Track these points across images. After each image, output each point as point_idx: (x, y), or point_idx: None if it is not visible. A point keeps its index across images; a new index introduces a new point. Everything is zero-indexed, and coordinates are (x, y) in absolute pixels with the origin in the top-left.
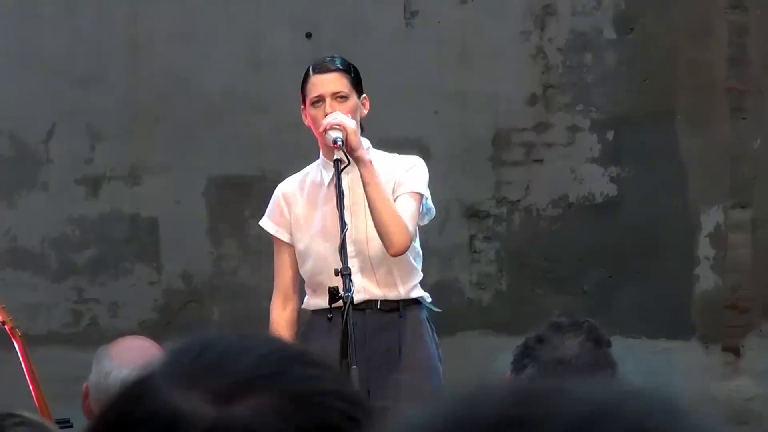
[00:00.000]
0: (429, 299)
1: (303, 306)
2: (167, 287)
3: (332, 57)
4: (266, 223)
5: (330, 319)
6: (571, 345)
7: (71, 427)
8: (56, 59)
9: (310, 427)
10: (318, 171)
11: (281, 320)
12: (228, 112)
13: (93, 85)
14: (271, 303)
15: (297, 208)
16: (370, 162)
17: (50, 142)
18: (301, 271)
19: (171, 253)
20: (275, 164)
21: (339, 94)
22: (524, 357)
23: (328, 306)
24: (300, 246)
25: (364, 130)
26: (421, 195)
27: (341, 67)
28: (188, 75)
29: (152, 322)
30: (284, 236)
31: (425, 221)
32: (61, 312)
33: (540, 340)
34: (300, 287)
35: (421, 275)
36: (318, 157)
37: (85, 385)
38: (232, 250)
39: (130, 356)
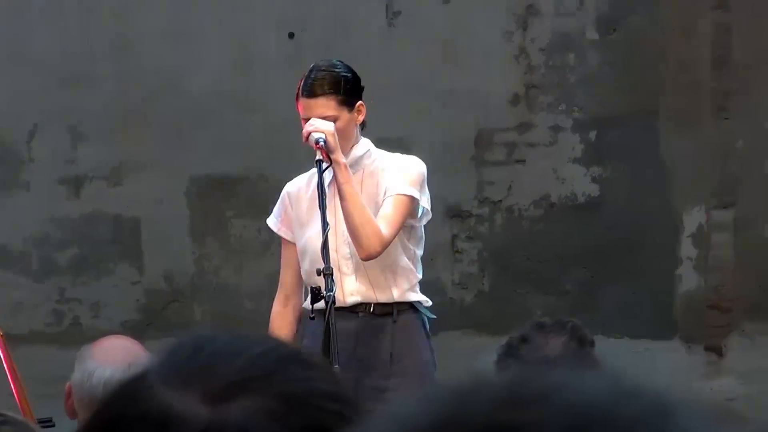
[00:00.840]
0: (428, 304)
1: (303, 305)
2: (149, 287)
3: (326, 71)
4: (271, 221)
5: (312, 318)
6: (555, 345)
7: (53, 426)
8: (43, 58)
9: (303, 428)
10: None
11: (281, 317)
12: (214, 111)
13: (79, 84)
14: (274, 300)
15: (299, 208)
16: (345, 166)
17: (32, 141)
18: (301, 271)
19: (153, 253)
20: (259, 164)
21: (326, 119)
22: (508, 357)
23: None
24: (299, 245)
25: (365, 127)
26: (409, 197)
27: (329, 90)
28: (175, 74)
29: (134, 322)
30: (287, 234)
31: (423, 222)
32: (43, 312)
33: (524, 339)
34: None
35: (418, 277)
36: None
37: (68, 384)
38: (214, 250)
39: (113, 356)
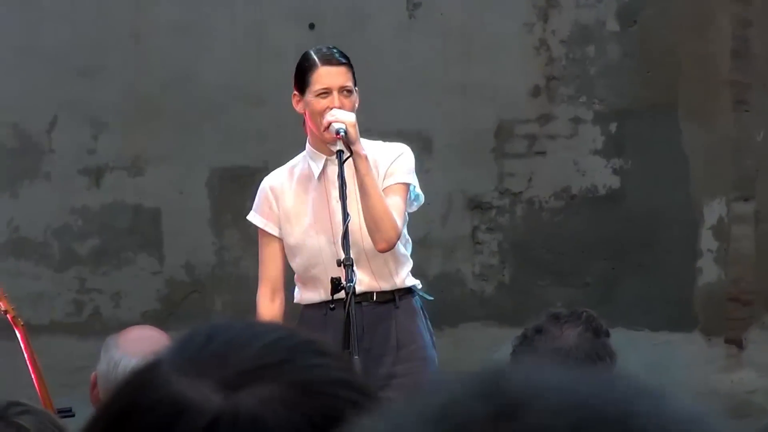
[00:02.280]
0: (420, 286)
1: (296, 300)
2: (170, 278)
3: (332, 48)
4: (254, 217)
5: (333, 309)
6: (570, 335)
7: (73, 416)
8: (58, 50)
9: (318, 416)
10: (305, 162)
11: (270, 312)
12: (230, 103)
13: (95, 76)
14: (258, 295)
15: (286, 202)
16: (366, 157)
17: (53, 132)
18: (292, 264)
19: (173, 244)
20: (277, 155)
21: (346, 88)
22: (523, 347)
23: (325, 298)
24: (291, 240)
25: None
26: (408, 185)
27: (346, 61)
28: (190, 66)
29: (155, 312)
30: (273, 230)
31: (414, 208)
32: (63, 302)
33: (539, 330)
34: (287, 281)
35: (411, 262)
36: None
37: (93, 374)
38: (234, 240)
39: (139, 346)
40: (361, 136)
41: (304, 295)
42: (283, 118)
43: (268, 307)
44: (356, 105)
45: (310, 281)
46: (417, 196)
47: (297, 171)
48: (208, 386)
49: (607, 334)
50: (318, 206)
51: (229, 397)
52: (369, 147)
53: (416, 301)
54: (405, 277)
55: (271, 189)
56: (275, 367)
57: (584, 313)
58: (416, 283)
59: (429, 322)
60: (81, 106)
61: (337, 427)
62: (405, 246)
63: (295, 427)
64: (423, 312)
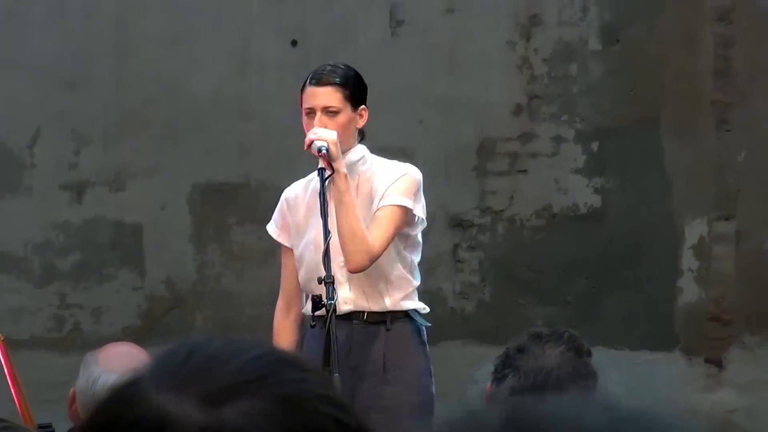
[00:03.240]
0: (425, 311)
1: (302, 311)
2: (151, 293)
3: (335, 66)
4: (270, 227)
5: (312, 326)
6: (552, 355)
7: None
8: (43, 62)
9: (300, 431)
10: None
11: (284, 325)
12: (214, 117)
13: (79, 89)
14: (276, 308)
15: (297, 214)
16: (345, 176)
17: (35, 146)
18: (299, 277)
19: (155, 259)
20: (260, 171)
21: (329, 109)
22: (505, 367)
23: (311, 313)
24: (296, 252)
25: (364, 137)
26: (403, 207)
27: (338, 81)
28: (175, 80)
29: (135, 328)
30: (285, 240)
31: (416, 231)
32: (44, 317)
33: (520, 349)
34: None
35: (414, 285)
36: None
37: (72, 390)
38: (215, 256)
39: (118, 362)
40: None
41: (307, 306)
42: (266, 133)
43: (284, 319)
44: (359, 122)
45: (308, 294)
46: (421, 220)
47: (312, 185)
48: (190, 401)
49: (589, 354)
50: (321, 223)
51: (212, 413)
52: (378, 165)
53: (414, 326)
54: (400, 300)
55: (287, 200)
56: (257, 382)
57: (566, 333)
58: (418, 306)
59: (427, 348)
60: (64, 119)
61: None
62: (410, 271)
63: None
64: (420, 337)
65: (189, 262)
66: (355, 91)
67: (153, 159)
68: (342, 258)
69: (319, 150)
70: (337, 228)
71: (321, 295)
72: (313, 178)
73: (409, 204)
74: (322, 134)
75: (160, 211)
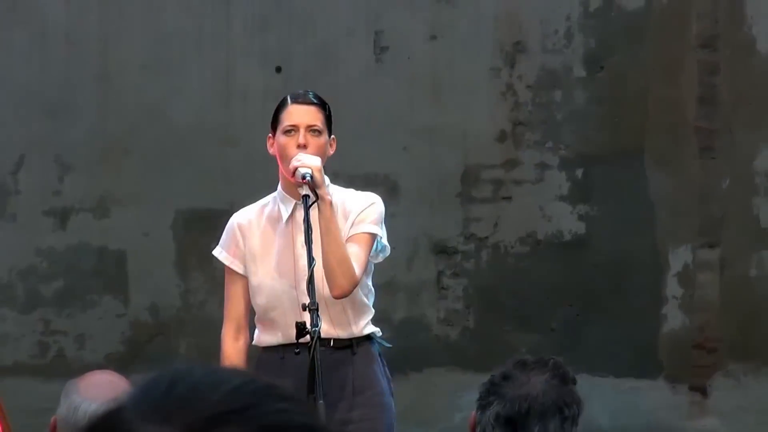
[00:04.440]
0: (380, 334)
1: (254, 342)
2: (134, 320)
3: (308, 91)
4: (220, 253)
5: (297, 353)
6: (537, 382)
7: None
8: (26, 89)
9: None
10: (275, 204)
11: (234, 351)
12: (198, 144)
13: (62, 116)
14: (223, 333)
15: (252, 241)
16: (331, 203)
17: (19, 173)
18: (253, 304)
19: (138, 286)
20: (244, 197)
21: (313, 127)
22: (489, 394)
23: (283, 341)
24: (254, 280)
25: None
26: (374, 235)
27: (318, 102)
28: (158, 107)
29: (119, 355)
30: (239, 267)
31: (379, 259)
32: (27, 343)
33: (505, 377)
34: (249, 320)
35: (372, 312)
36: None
37: (53, 418)
38: (199, 283)
39: (99, 391)
40: (328, 178)
41: (262, 338)
42: (249, 160)
43: (232, 346)
44: (329, 150)
45: (268, 323)
46: (383, 248)
47: (267, 211)
48: None
49: (574, 382)
50: (283, 250)
51: None
52: (340, 194)
53: (374, 348)
54: (364, 327)
55: (239, 226)
56: (239, 412)
57: (551, 360)
58: (375, 330)
59: (387, 369)
60: (47, 146)
61: None
62: (367, 296)
63: None
64: (381, 359)
65: (173, 289)
66: (330, 118)
67: (136, 186)
68: (303, 285)
69: (303, 177)
70: (324, 254)
71: (305, 322)
72: (267, 204)
73: (378, 231)
74: (306, 161)
75: (143, 238)
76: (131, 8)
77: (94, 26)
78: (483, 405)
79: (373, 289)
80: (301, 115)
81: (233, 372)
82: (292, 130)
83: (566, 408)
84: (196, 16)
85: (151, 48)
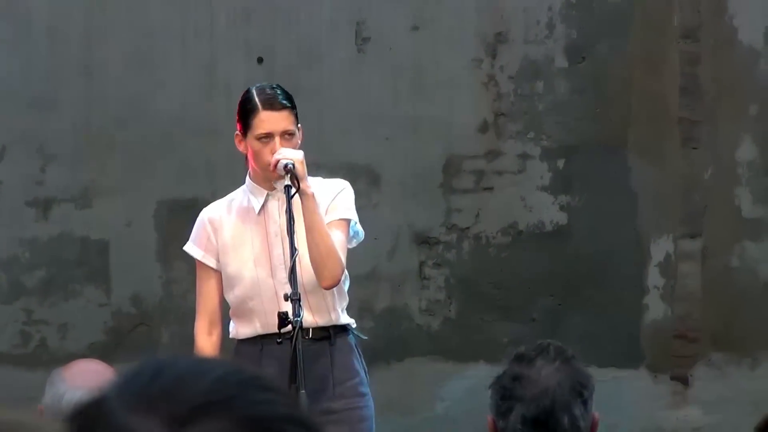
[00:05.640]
0: (355, 325)
1: (231, 335)
2: (117, 310)
3: (275, 89)
4: (191, 248)
5: (280, 343)
6: (549, 374)
7: None
8: (8, 81)
9: None
10: (245, 197)
11: (208, 346)
12: (179, 136)
13: (45, 107)
14: (196, 328)
15: (224, 234)
16: (313, 195)
17: (1, 163)
18: (228, 297)
19: (121, 276)
20: (226, 188)
21: (288, 132)
22: (506, 399)
23: (261, 332)
24: (229, 271)
25: None
26: (349, 221)
27: (288, 104)
28: (140, 99)
29: (102, 345)
30: (211, 262)
31: (353, 244)
32: (10, 333)
33: (515, 377)
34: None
35: (347, 299)
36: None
37: (39, 407)
38: (182, 273)
39: (84, 379)
40: (310, 170)
41: (239, 330)
42: (232, 151)
43: (206, 340)
44: (299, 143)
45: (245, 315)
46: (357, 233)
47: (235, 204)
48: (156, 422)
49: (574, 357)
50: (257, 240)
51: None
52: (310, 183)
53: (351, 339)
54: (341, 313)
55: (210, 221)
56: (223, 402)
57: (549, 345)
58: (351, 321)
59: (363, 360)
60: (30, 138)
61: None
62: (344, 282)
63: None
64: (357, 350)
65: (155, 279)
66: (296, 110)
67: (118, 176)
68: (284, 275)
69: (286, 166)
70: (311, 247)
71: (287, 312)
72: (234, 198)
73: (354, 216)
74: (287, 154)
75: (126, 228)
76: (115, 0)
77: (78, 18)
78: (502, 412)
79: (348, 275)
80: (274, 122)
81: (217, 362)
82: (267, 136)
83: (584, 389)
84: (180, 9)
85: (135, 40)
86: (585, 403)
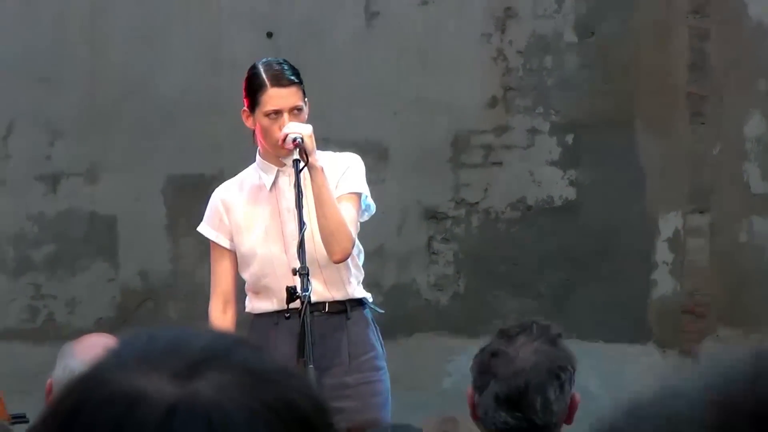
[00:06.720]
0: (371, 299)
1: (247, 310)
2: (124, 285)
3: (283, 64)
4: (205, 228)
5: (288, 318)
6: (526, 353)
7: (27, 422)
8: (16, 57)
9: (273, 402)
10: (256, 174)
11: (222, 324)
12: (186, 112)
13: (52, 83)
14: (210, 307)
15: (237, 213)
16: (322, 169)
17: (9, 138)
18: (244, 275)
19: (129, 251)
20: (233, 164)
21: (296, 107)
22: (483, 374)
23: (278, 308)
24: (243, 249)
25: None
26: (360, 194)
27: (296, 80)
28: (147, 74)
29: (109, 320)
30: (224, 242)
31: (365, 217)
32: (18, 308)
33: (494, 353)
34: (237, 293)
35: (362, 273)
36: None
37: (48, 381)
38: (189, 249)
39: (95, 353)
40: (318, 145)
41: (255, 304)
42: (239, 126)
43: (221, 318)
44: (306, 117)
45: (262, 291)
46: (368, 206)
47: (247, 183)
48: (161, 377)
49: (560, 336)
50: (269, 217)
51: (185, 385)
52: (321, 157)
53: (367, 313)
54: (357, 287)
55: (222, 201)
56: (222, 357)
57: (533, 324)
58: (367, 295)
59: (380, 334)
60: (38, 113)
61: (292, 414)
62: (358, 256)
63: (253, 413)
64: (374, 324)
65: (163, 254)
66: (303, 85)
67: (126, 152)
68: (293, 250)
69: (295, 140)
70: (320, 220)
71: (295, 286)
72: (245, 177)
73: (364, 190)
74: (296, 128)
75: (133, 203)
76: None
77: None
78: (479, 387)
79: (362, 248)
80: (283, 99)
81: (206, 329)
82: (276, 113)
83: (562, 372)
84: None
85: (141, 15)
86: (562, 385)
